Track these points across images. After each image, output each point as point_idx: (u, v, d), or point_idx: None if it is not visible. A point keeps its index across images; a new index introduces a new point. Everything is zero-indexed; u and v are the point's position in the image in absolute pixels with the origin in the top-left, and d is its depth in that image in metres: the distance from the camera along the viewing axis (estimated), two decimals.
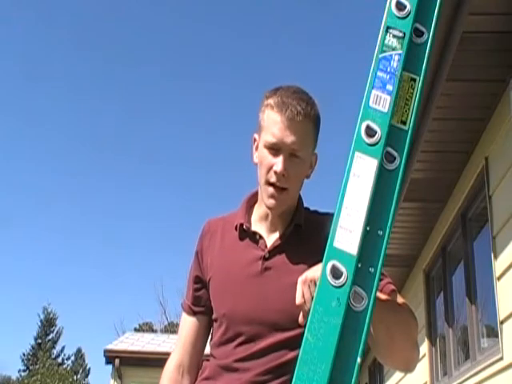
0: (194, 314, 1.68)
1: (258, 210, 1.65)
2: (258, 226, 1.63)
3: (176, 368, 1.67)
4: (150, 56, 46.63)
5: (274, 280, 1.53)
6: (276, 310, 1.51)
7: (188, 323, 1.69)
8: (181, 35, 46.33)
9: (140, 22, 46.88)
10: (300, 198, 1.66)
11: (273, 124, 1.54)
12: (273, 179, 1.53)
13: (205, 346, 1.70)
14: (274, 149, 1.53)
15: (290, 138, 1.52)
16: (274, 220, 1.61)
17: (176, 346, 1.71)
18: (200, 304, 1.67)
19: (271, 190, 1.55)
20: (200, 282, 1.67)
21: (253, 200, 1.67)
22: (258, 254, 1.58)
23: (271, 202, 1.56)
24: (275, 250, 1.57)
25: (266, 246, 1.59)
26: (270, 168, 1.53)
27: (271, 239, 1.60)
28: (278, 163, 1.52)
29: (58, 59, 46.69)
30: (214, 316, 1.62)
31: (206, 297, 1.65)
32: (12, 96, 48.89)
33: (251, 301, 1.53)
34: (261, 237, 1.60)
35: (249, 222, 1.64)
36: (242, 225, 1.62)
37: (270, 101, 1.56)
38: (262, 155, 1.57)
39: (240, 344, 1.53)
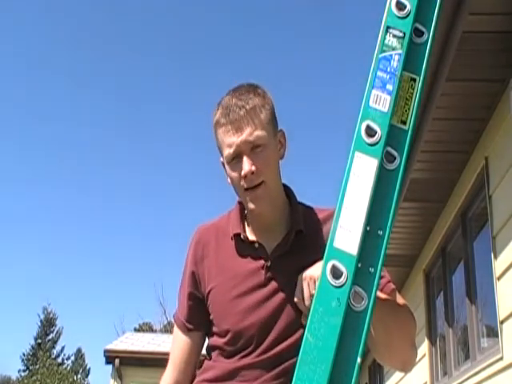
0: (188, 330, 1.61)
1: (251, 220, 1.58)
2: (254, 234, 1.57)
3: None
4: (150, 53, 46.65)
5: (279, 290, 1.49)
6: (283, 321, 1.48)
7: (181, 341, 1.63)
8: (182, 34, 46.32)
9: (143, 14, 46.87)
10: (292, 193, 1.61)
11: (224, 137, 1.50)
12: (246, 185, 1.48)
13: (197, 361, 1.64)
14: (236, 157, 1.49)
15: (243, 136, 1.47)
16: (271, 225, 1.55)
17: (169, 364, 1.64)
18: (194, 321, 1.61)
19: (249, 194, 1.50)
20: (195, 299, 1.60)
21: (243, 206, 1.60)
22: (259, 264, 1.53)
23: (254, 205, 1.50)
24: (278, 259, 1.52)
25: (267, 255, 1.53)
26: (240, 177, 1.48)
27: (271, 247, 1.54)
28: (244, 166, 1.47)
29: (59, 54, 46.71)
30: (214, 329, 1.57)
31: (202, 313, 1.58)
32: (13, 90, 48.87)
33: (257, 314, 1.49)
34: (260, 245, 1.54)
35: (245, 230, 1.57)
36: (238, 234, 1.56)
37: (215, 118, 1.53)
38: (229, 173, 1.52)
39: (247, 355, 1.49)
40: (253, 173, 1.47)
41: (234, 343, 1.51)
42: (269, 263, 1.52)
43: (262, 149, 1.49)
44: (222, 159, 1.57)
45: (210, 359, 1.58)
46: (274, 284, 1.50)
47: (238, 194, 1.54)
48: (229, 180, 1.55)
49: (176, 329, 1.65)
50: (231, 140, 1.48)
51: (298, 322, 1.42)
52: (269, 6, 45.64)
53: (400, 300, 1.52)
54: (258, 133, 1.48)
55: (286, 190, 1.61)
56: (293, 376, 1.03)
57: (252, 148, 1.48)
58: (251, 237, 1.56)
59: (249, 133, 1.47)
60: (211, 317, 1.57)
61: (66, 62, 47.95)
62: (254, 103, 1.51)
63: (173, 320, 1.67)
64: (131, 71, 47.49)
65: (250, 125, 1.48)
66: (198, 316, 1.60)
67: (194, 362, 1.64)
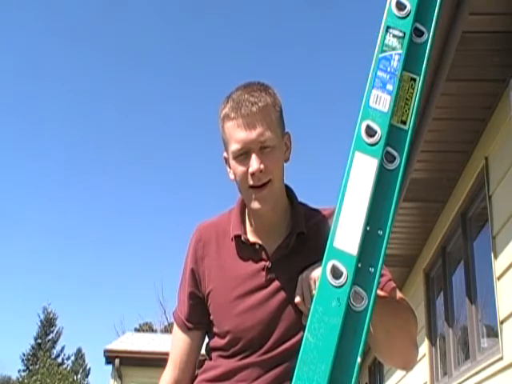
0: (188, 329, 1.61)
1: (252, 220, 1.57)
2: (255, 235, 1.56)
3: None
4: (151, 54, 46.65)
5: (279, 291, 1.49)
6: (284, 322, 1.47)
7: (181, 340, 1.62)
8: (184, 35, 46.34)
9: (139, 18, 46.89)
10: (293, 194, 1.60)
11: (233, 131, 1.47)
12: (252, 182, 1.47)
13: (197, 359, 1.64)
14: (243, 153, 1.47)
15: (254, 133, 1.45)
16: (272, 226, 1.55)
17: (169, 362, 1.64)
18: (194, 320, 1.60)
19: (254, 193, 1.48)
20: (195, 298, 1.59)
21: (244, 206, 1.59)
22: (260, 266, 1.52)
23: (258, 205, 1.49)
24: (278, 260, 1.51)
25: (267, 256, 1.52)
26: (246, 173, 1.47)
27: (272, 248, 1.53)
28: (252, 164, 1.45)
29: (58, 58, 46.73)
30: (214, 330, 1.56)
31: (202, 312, 1.58)
32: (14, 94, 48.91)
33: (257, 315, 1.49)
34: (260, 246, 1.54)
35: (245, 232, 1.56)
36: (239, 236, 1.55)
37: (224, 111, 1.50)
38: (234, 168, 1.50)
39: (248, 356, 1.49)
40: (261, 171, 1.45)
41: (234, 344, 1.51)
42: (269, 265, 1.51)
43: (271, 149, 1.47)
44: (225, 154, 1.55)
45: (211, 360, 1.58)
46: (274, 285, 1.50)
47: (242, 190, 1.52)
48: (232, 176, 1.54)
49: (176, 327, 1.64)
50: (240, 136, 1.46)
51: (299, 323, 1.42)
52: (269, 5, 45.71)
53: (401, 298, 1.51)
54: (269, 133, 1.47)
55: (288, 190, 1.60)
56: (293, 376, 1.03)
57: (261, 148, 1.47)
58: (252, 238, 1.55)
59: (260, 132, 1.46)
60: (211, 317, 1.57)
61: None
62: (266, 102, 1.49)
63: (172, 318, 1.67)
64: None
65: (261, 123, 1.46)
66: (198, 315, 1.59)
67: (194, 361, 1.63)
